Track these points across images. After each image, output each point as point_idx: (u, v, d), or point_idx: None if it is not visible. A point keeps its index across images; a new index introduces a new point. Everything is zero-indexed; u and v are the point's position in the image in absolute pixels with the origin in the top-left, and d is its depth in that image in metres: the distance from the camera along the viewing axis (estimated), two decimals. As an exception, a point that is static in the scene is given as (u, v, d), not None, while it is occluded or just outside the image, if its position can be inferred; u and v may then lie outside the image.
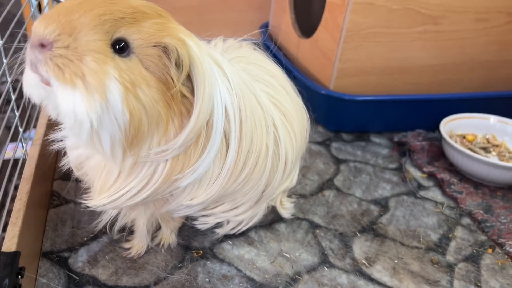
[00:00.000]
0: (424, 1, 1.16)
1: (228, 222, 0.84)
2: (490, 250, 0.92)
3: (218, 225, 0.85)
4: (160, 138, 0.64)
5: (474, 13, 1.22)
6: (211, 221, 0.82)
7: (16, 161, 0.89)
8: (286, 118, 0.82)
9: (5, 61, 0.80)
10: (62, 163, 0.76)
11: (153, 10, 0.62)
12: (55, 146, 0.74)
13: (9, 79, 0.86)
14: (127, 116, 0.58)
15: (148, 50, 0.60)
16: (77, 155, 0.73)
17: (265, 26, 1.71)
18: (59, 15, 0.55)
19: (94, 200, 0.69)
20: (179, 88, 0.62)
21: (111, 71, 0.56)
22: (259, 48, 0.93)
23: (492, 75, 1.33)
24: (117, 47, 0.58)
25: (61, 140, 0.74)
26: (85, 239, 0.87)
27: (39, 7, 1.16)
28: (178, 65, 0.61)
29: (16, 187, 0.84)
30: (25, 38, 1.14)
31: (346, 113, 1.27)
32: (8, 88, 0.87)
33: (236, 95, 0.68)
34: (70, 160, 0.74)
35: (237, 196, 0.78)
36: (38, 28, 0.54)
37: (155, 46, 0.60)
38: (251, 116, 0.71)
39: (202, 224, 0.82)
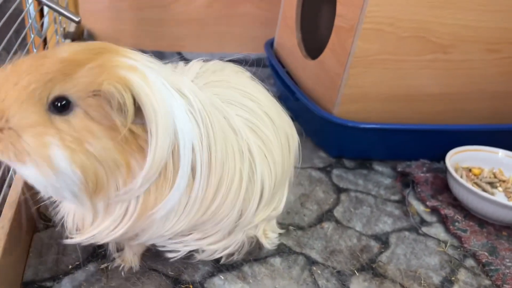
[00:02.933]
0: (434, 29, 1.13)
1: (203, 250, 0.79)
2: (494, 296, 0.88)
3: (190, 253, 0.80)
4: (124, 178, 0.62)
5: (485, 44, 1.18)
6: (181, 248, 0.77)
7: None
8: (265, 145, 0.77)
9: None
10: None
11: (89, 53, 0.59)
12: None
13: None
14: (79, 174, 0.58)
15: (89, 100, 0.57)
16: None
17: (270, 43, 1.67)
18: None
19: (76, 238, 0.70)
20: (131, 128, 0.59)
21: (51, 140, 0.56)
22: (247, 69, 0.90)
23: (501, 107, 1.30)
24: (58, 105, 0.56)
25: None
26: (70, 267, 0.83)
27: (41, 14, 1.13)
28: (121, 109, 0.58)
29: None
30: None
31: (349, 139, 1.23)
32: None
33: (202, 121, 0.64)
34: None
35: (207, 226, 0.74)
36: None
37: (94, 94, 0.57)
38: (221, 142, 0.67)
39: (172, 252, 0.77)
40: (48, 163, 0.56)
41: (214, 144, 0.66)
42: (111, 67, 0.58)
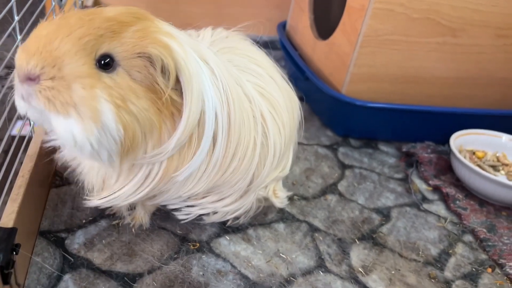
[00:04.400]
0: (445, 12, 1.14)
1: (214, 212, 0.83)
2: (489, 270, 0.90)
3: (200, 216, 0.83)
4: (154, 142, 0.65)
5: (494, 29, 1.20)
6: (195, 211, 0.80)
7: (23, 137, 0.89)
8: (274, 108, 0.81)
9: (16, 17, 0.79)
10: (57, 155, 0.77)
11: (131, 16, 0.61)
12: (50, 144, 0.76)
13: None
14: (122, 131, 0.60)
15: (133, 61, 0.60)
16: (70, 154, 0.75)
17: (283, 25, 1.70)
18: (38, 46, 0.55)
19: (94, 200, 0.72)
20: (169, 93, 0.62)
21: (100, 94, 0.57)
22: (248, 38, 0.92)
23: (508, 93, 1.31)
24: (102, 62, 0.58)
25: (55, 140, 0.75)
26: (84, 221, 0.87)
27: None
28: (164, 72, 0.61)
29: (21, 163, 0.84)
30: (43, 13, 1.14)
31: (356, 118, 1.26)
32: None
33: (223, 90, 0.68)
34: (65, 155, 0.76)
35: (224, 189, 0.77)
36: (22, 62, 0.55)
37: (139, 56, 0.60)
38: (239, 109, 0.70)
39: (184, 214, 0.81)
40: (95, 116, 0.56)
41: (234, 111, 0.69)
42: (152, 32, 0.61)
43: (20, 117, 0.66)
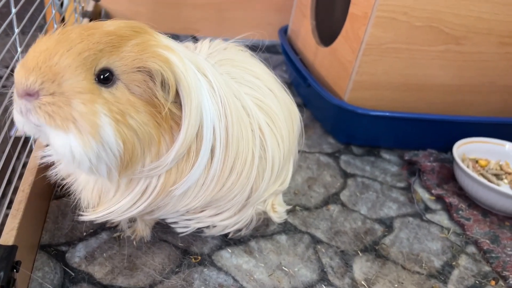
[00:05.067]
0: (448, 20, 1.14)
1: (214, 226, 0.82)
2: (493, 283, 0.90)
3: (200, 229, 0.83)
4: (153, 156, 0.64)
5: (498, 37, 1.19)
6: (192, 225, 0.80)
7: (26, 138, 0.88)
8: (273, 121, 0.80)
9: (16, 30, 0.78)
10: (50, 172, 0.76)
11: (131, 30, 0.61)
12: (45, 160, 0.75)
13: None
14: (121, 145, 0.59)
15: (132, 75, 0.59)
16: (66, 169, 0.74)
17: (284, 29, 1.69)
18: (38, 61, 0.55)
19: (91, 215, 0.71)
20: (169, 106, 0.62)
21: (100, 109, 0.56)
22: (260, 55, 0.92)
23: (510, 100, 1.30)
24: (102, 77, 0.58)
25: (50, 155, 0.75)
26: (84, 234, 0.86)
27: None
28: (163, 86, 0.61)
29: (24, 165, 0.84)
30: (44, 20, 1.13)
31: (359, 126, 1.25)
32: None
33: (221, 103, 0.67)
34: (60, 171, 0.75)
35: (222, 203, 0.76)
36: (20, 78, 0.54)
37: (139, 70, 0.59)
38: (237, 123, 0.70)
39: (182, 227, 0.80)
40: (95, 131, 0.56)
41: (232, 124, 0.68)
42: (151, 45, 0.60)
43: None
